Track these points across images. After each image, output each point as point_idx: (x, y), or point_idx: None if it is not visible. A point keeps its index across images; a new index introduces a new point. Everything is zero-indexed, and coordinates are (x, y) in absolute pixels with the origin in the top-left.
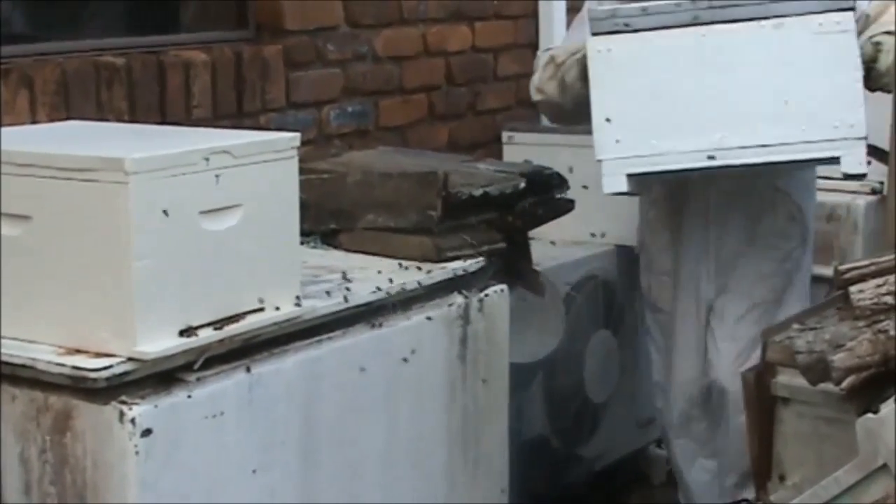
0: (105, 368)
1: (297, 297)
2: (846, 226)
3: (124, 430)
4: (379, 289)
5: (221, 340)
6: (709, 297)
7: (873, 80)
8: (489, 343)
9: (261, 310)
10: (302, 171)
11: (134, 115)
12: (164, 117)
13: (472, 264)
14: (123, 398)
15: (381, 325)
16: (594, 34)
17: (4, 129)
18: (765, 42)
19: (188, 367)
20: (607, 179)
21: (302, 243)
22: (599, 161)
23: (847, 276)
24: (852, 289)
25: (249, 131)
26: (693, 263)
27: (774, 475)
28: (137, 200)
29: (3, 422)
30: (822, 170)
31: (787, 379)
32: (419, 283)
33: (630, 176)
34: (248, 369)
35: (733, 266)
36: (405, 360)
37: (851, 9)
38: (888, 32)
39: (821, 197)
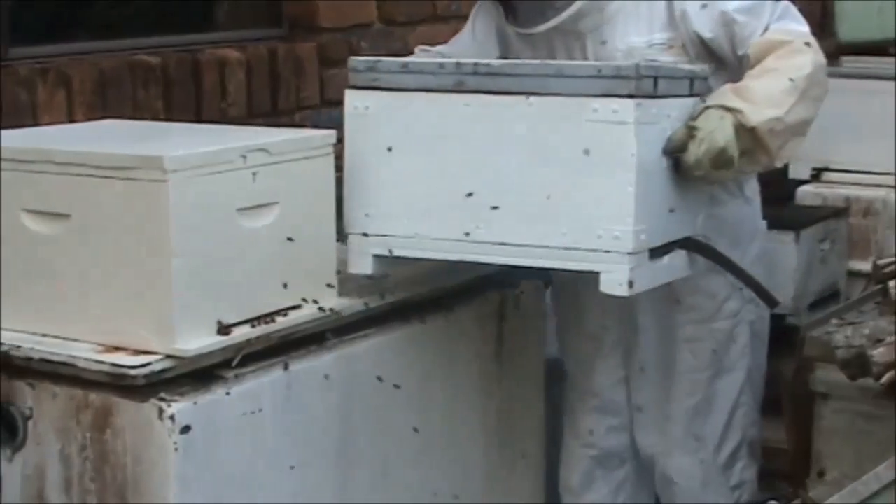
0: (144, 366)
1: (334, 294)
2: (883, 220)
3: (164, 427)
4: (415, 286)
5: (259, 337)
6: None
7: (682, 171)
8: (525, 340)
9: (298, 307)
10: (338, 168)
11: (169, 114)
12: (199, 115)
13: None
14: (162, 395)
15: (417, 322)
16: (351, 87)
17: (43, 128)
18: (532, 122)
19: (226, 365)
20: (352, 258)
21: (338, 240)
22: (346, 235)
23: (886, 270)
24: (891, 283)
25: (285, 129)
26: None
27: (813, 471)
28: (176, 198)
29: (43, 419)
30: (861, 162)
31: (826, 374)
32: (455, 280)
33: (377, 257)
34: (286, 366)
35: (651, 333)
36: (441, 356)
37: (635, 96)
38: (726, 108)
39: (857, 192)
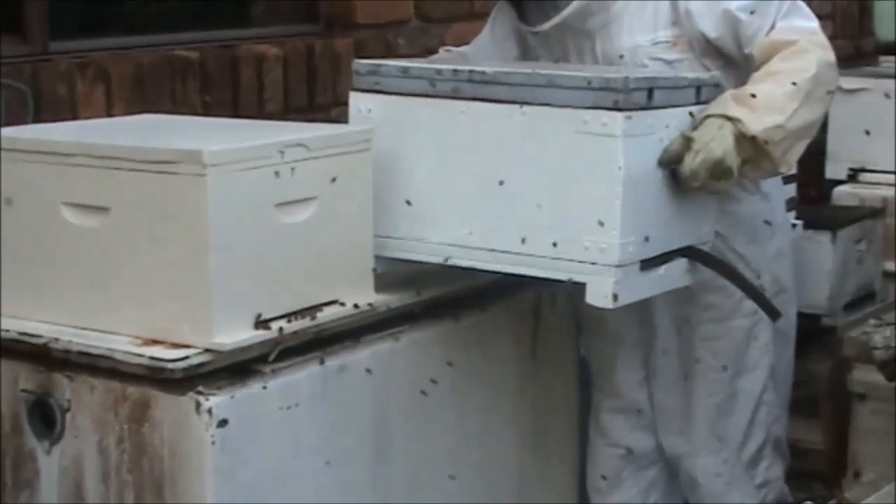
0: (182, 359)
1: (371, 290)
2: None
3: (201, 421)
4: (451, 283)
5: (296, 332)
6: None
7: (679, 183)
8: (560, 339)
9: (335, 302)
10: None
11: (207, 109)
12: (236, 110)
13: None
14: (200, 389)
15: (453, 319)
16: (354, 89)
17: (82, 122)
18: (523, 131)
19: (263, 359)
20: None
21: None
22: None
23: None
24: None
25: (322, 124)
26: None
27: (849, 472)
28: (215, 193)
29: (82, 411)
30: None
31: (863, 375)
32: (491, 277)
33: (379, 258)
34: (322, 361)
35: (669, 333)
36: (477, 354)
37: (624, 109)
38: (726, 117)
39: (886, 192)
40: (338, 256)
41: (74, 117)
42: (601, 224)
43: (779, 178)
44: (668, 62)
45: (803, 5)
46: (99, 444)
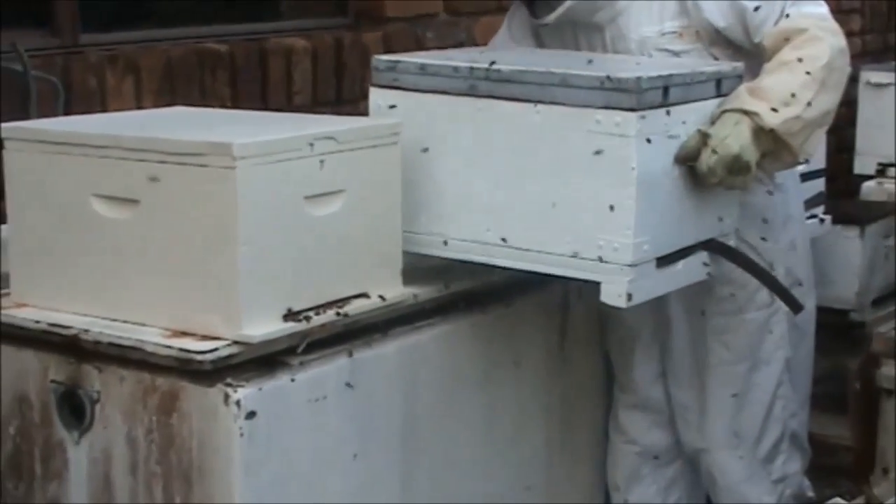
0: (211, 351)
1: (399, 283)
2: None
3: (229, 412)
4: (480, 276)
5: (324, 325)
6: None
7: (699, 178)
8: (588, 331)
9: (363, 295)
10: None
11: (236, 101)
12: (265, 103)
13: None
14: (229, 380)
15: (481, 312)
16: (373, 85)
17: (112, 115)
18: (539, 129)
19: (291, 351)
20: None
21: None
22: None
23: None
24: None
25: (351, 117)
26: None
27: (877, 468)
28: (244, 185)
29: (111, 403)
30: None
31: (892, 370)
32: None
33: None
34: (350, 354)
35: (683, 326)
36: (505, 347)
37: (637, 110)
38: (742, 111)
39: None
40: (366, 249)
41: (104, 110)
42: (615, 224)
43: (793, 169)
44: (675, 53)
45: None
46: (128, 436)
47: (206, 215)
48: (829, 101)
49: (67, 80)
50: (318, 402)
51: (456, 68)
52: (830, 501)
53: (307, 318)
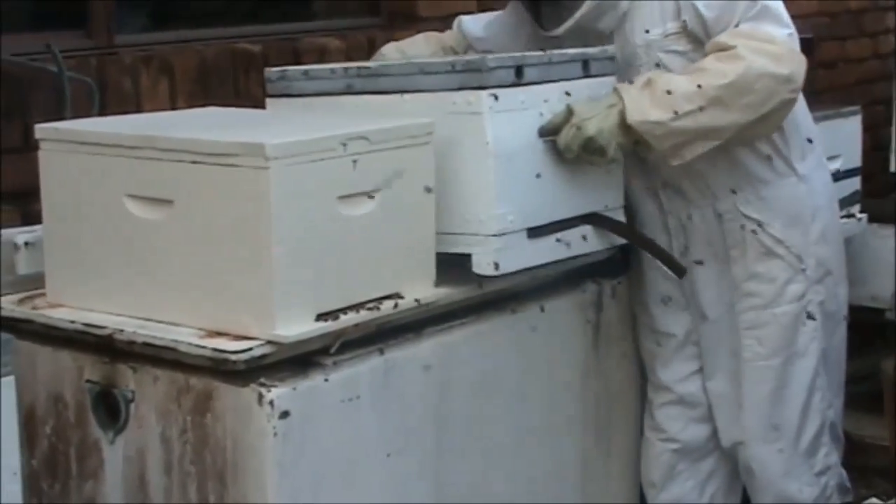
0: (245, 351)
1: (432, 284)
2: None
3: (263, 412)
4: (513, 276)
5: (357, 325)
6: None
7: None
8: (622, 331)
9: (396, 295)
10: None
11: None
12: None
13: (605, 251)
14: (262, 380)
15: (514, 312)
16: (268, 96)
17: (147, 115)
18: (410, 118)
19: (324, 351)
20: None
21: None
22: None
23: None
24: None
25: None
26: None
27: None
28: (277, 185)
29: (145, 402)
30: None
31: None
32: (553, 269)
33: None
34: (383, 354)
35: (708, 320)
36: (538, 346)
37: (487, 87)
38: (620, 97)
39: None
40: (399, 249)
41: (139, 110)
42: (479, 198)
43: (821, 160)
44: (681, 53)
45: (779, 10)
46: (162, 435)
47: (239, 215)
48: (722, 118)
49: (102, 80)
50: (352, 401)
51: (333, 70)
52: (867, 502)
53: (340, 319)
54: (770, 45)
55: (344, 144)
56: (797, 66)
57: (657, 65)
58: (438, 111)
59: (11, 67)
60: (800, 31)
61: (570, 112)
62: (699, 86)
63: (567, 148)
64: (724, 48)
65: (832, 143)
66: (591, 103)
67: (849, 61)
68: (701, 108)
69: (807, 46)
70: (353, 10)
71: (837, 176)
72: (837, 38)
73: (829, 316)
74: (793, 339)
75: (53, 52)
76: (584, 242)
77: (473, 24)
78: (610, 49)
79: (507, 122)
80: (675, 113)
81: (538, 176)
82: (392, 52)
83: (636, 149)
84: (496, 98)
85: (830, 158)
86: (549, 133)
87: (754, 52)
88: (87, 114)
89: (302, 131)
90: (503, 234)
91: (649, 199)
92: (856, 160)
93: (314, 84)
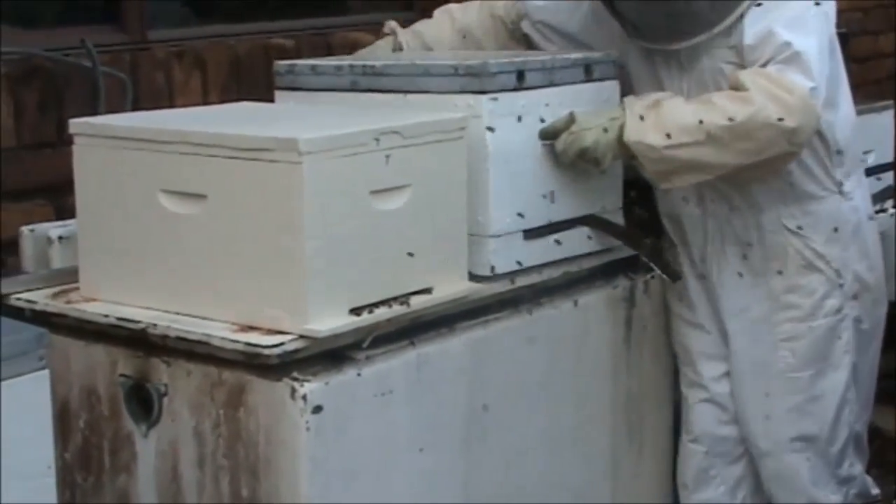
0: (278, 346)
1: (465, 278)
2: None
3: (296, 407)
4: (545, 271)
5: (390, 320)
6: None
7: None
8: (655, 326)
9: (429, 290)
10: None
11: None
12: None
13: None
14: (295, 374)
15: (546, 307)
16: (277, 88)
17: (180, 110)
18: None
19: (357, 346)
20: None
21: None
22: None
23: None
24: None
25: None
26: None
27: None
28: (310, 180)
29: (178, 396)
30: None
31: None
32: (585, 265)
33: None
34: (416, 349)
35: (743, 333)
36: (570, 341)
37: (488, 92)
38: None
39: None
40: (432, 244)
41: (172, 105)
42: (479, 199)
43: (861, 177)
44: (739, 65)
45: (811, 61)
46: (195, 429)
47: (272, 210)
48: (712, 157)
49: (135, 75)
50: (385, 396)
51: (339, 67)
52: None
53: (373, 313)
54: (786, 95)
55: (377, 139)
56: (807, 120)
57: (713, 70)
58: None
59: (46, 63)
60: None
61: (571, 119)
62: (701, 121)
63: (563, 153)
64: (740, 87)
65: (865, 138)
66: (595, 113)
67: (882, 56)
68: (697, 143)
69: (840, 41)
70: (386, 4)
71: (870, 171)
72: (870, 33)
73: (864, 332)
74: (827, 352)
75: (87, 48)
76: (589, 241)
77: None
78: (613, 53)
79: (507, 125)
80: (671, 141)
81: (536, 178)
82: (442, 18)
83: (633, 163)
84: (496, 102)
85: (863, 154)
86: (548, 137)
87: (768, 99)
88: (120, 108)
89: (335, 126)
90: (500, 235)
91: (693, 199)
92: (889, 155)
93: (321, 79)
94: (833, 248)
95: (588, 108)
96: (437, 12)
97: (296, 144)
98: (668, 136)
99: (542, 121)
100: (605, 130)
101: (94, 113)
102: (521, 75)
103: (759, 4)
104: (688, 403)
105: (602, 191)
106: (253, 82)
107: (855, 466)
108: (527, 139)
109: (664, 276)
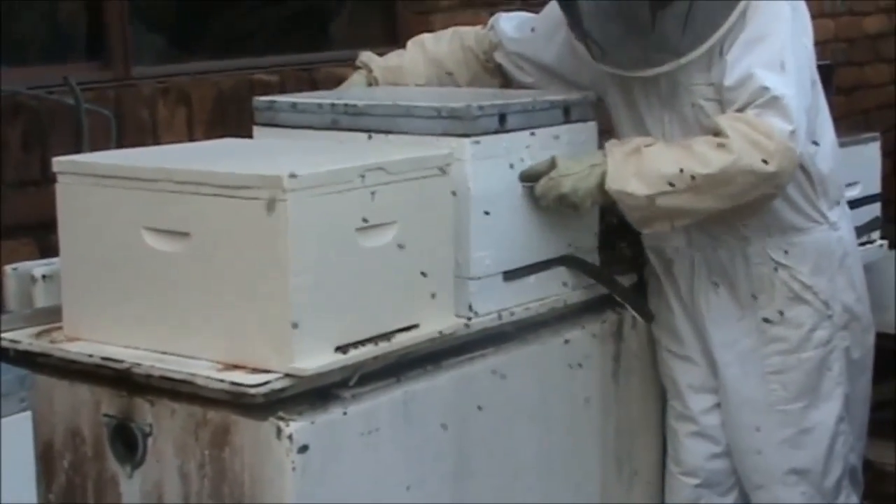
0: (263, 384)
1: (451, 314)
2: None
3: (282, 446)
4: (532, 306)
5: (376, 357)
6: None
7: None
8: (643, 360)
9: (415, 326)
10: None
11: None
12: None
13: (625, 279)
14: (281, 414)
15: (533, 343)
16: (255, 124)
17: (164, 147)
18: None
19: (343, 384)
20: None
21: None
22: None
23: None
24: None
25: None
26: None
27: None
28: (295, 217)
29: (163, 436)
30: None
31: None
32: (573, 300)
33: None
34: (403, 385)
35: (733, 365)
36: (558, 377)
37: (470, 135)
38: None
39: None
40: (418, 280)
41: (157, 141)
42: (461, 241)
43: (845, 208)
44: (720, 102)
45: (789, 105)
46: (180, 469)
47: (257, 247)
48: (697, 203)
49: (120, 112)
50: (371, 434)
51: (320, 105)
52: None
53: (359, 350)
54: (765, 140)
55: (362, 176)
56: (786, 164)
57: (693, 105)
58: None
59: (29, 100)
60: (817, 56)
61: (552, 164)
62: (682, 169)
63: (542, 197)
64: (720, 133)
65: (851, 169)
66: (575, 160)
67: (867, 87)
68: (678, 191)
69: (826, 73)
70: (371, 39)
71: (856, 203)
72: (855, 64)
73: (854, 362)
74: (817, 384)
75: (70, 85)
76: (561, 284)
77: (507, 22)
78: (590, 95)
79: (489, 168)
80: (652, 190)
81: (515, 220)
82: (415, 49)
83: (614, 209)
84: (478, 145)
85: (849, 185)
86: (529, 179)
87: (747, 144)
88: (105, 145)
89: (320, 162)
90: (479, 277)
91: (678, 233)
92: (875, 186)
93: (301, 117)
94: (820, 279)
95: (567, 149)
96: (410, 43)
97: (280, 181)
98: (650, 184)
99: (523, 161)
100: (586, 177)
101: (79, 150)
102: (502, 118)
103: (733, 41)
104: (677, 437)
105: (578, 230)
106: (238, 118)
107: (850, 498)
108: (507, 181)
109: (637, 316)
